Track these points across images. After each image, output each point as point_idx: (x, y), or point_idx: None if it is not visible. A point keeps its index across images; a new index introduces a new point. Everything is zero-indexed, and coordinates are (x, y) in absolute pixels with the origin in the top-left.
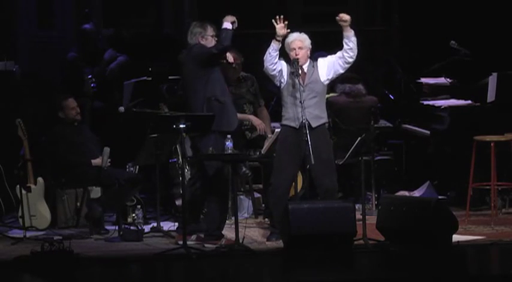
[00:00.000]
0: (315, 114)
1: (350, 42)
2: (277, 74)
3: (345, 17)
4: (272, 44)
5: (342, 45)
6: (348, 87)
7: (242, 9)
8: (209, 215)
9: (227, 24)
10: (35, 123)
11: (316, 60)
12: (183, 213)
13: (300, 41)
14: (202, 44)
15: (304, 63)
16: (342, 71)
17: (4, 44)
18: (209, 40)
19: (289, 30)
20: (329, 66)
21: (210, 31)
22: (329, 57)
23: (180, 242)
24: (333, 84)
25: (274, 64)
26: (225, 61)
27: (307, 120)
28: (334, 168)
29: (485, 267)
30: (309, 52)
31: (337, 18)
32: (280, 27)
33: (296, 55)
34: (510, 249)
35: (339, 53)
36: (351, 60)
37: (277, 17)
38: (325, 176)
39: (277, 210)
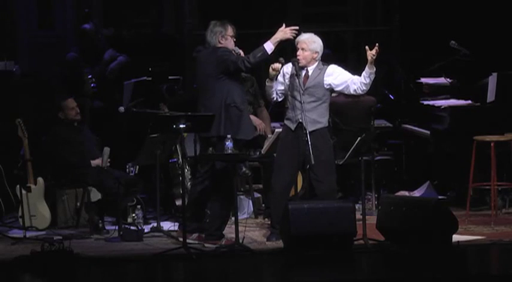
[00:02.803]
0: (312, 118)
1: (368, 78)
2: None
3: (374, 52)
4: (266, 83)
5: (342, 45)
6: None
7: (242, 9)
8: (211, 215)
9: (270, 47)
10: (35, 123)
11: (329, 64)
12: (183, 213)
13: (304, 43)
14: (227, 49)
15: (309, 65)
16: (345, 93)
17: (4, 44)
18: (229, 40)
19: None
20: (341, 81)
21: (230, 31)
22: (345, 73)
23: (181, 239)
24: None
25: (273, 98)
26: (234, 53)
27: (303, 122)
28: (334, 171)
29: (485, 267)
30: (315, 55)
31: (372, 52)
32: (274, 69)
33: (298, 56)
34: (510, 249)
35: (355, 78)
36: (360, 92)
37: (271, 67)
38: (324, 178)
39: (276, 210)
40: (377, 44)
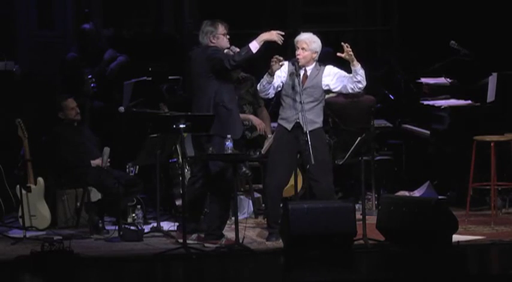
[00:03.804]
0: (309, 118)
1: (358, 75)
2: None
3: (348, 49)
4: (265, 77)
5: (341, 45)
6: None
7: (242, 9)
8: (210, 215)
9: (254, 46)
10: (35, 123)
11: (325, 65)
12: (183, 213)
13: (305, 43)
14: (217, 48)
15: (307, 65)
16: (344, 93)
17: (4, 44)
18: (220, 39)
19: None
20: (338, 82)
21: (221, 30)
22: (342, 73)
23: (181, 240)
24: None
25: (267, 94)
26: (227, 50)
27: (301, 122)
28: (330, 170)
29: (485, 267)
30: (314, 55)
31: (346, 51)
32: (275, 64)
33: (298, 55)
34: (510, 249)
35: (350, 78)
36: (358, 90)
37: (275, 57)
38: (321, 178)
39: (272, 210)
40: (342, 43)
